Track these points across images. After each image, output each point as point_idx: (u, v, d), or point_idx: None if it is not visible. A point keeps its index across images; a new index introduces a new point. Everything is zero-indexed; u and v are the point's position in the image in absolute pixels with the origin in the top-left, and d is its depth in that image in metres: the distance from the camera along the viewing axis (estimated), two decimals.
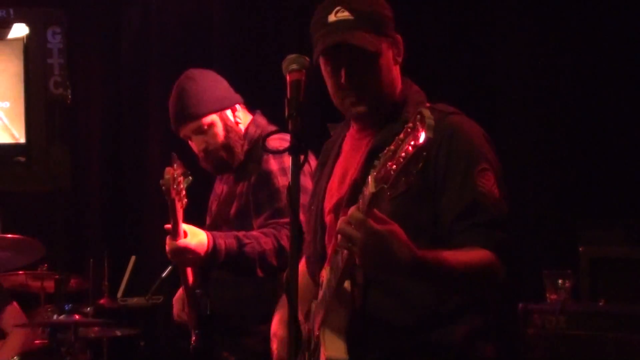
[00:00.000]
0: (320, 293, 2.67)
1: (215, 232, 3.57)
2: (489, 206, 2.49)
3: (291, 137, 2.36)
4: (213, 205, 3.94)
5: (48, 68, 6.76)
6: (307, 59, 2.51)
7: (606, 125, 4.87)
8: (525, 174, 4.83)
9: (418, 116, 2.06)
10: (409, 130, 2.08)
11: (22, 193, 6.77)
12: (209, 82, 3.83)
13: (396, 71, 2.70)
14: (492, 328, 2.64)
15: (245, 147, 3.80)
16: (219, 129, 3.75)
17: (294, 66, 2.47)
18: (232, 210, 3.76)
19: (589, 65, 4.91)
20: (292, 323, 2.29)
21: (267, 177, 3.66)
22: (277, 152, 2.74)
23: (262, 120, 3.90)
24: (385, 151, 2.15)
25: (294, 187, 2.35)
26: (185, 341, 3.95)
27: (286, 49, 2.61)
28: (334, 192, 2.75)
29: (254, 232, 3.60)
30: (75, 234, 6.68)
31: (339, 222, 2.31)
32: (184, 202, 3.39)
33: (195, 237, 3.47)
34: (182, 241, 3.43)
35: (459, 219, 2.48)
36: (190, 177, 3.43)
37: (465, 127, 2.59)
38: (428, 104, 2.65)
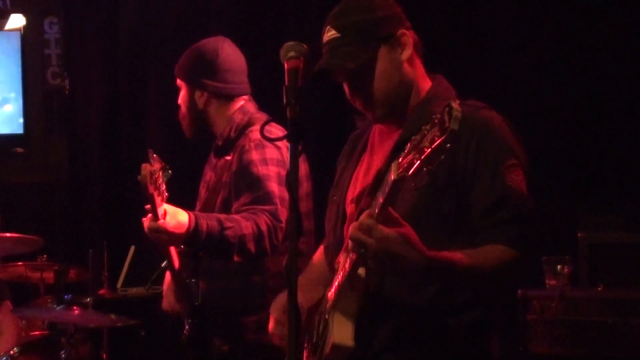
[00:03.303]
0: (334, 278, 2.69)
1: (198, 213, 3.58)
2: (516, 201, 2.51)
3: (289, 125, 2.36)
4: (202, 191, 3.96)
5: (45, 59, 6.75)
6: (305, 46, 2.51)
7: (605, 111, 4.88)
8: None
9: (446, 108, 2.09)
10: (436, 121, 2.11)
11: (21, 184, 6.76)
12: (206, 53, 3.90)
13: (408, 67, 2.72)
14: (499, 318, 2.67)
15: (232, 134, 3.81)
16: (185, 97, 3.90)
17: (292, 53, 2.48)
18: (219, 200, 3.78)
19: (588, 52, 4.91)
20: (292, 312, 2.29)
21: (247, 166, 3.67)
22: (277, 140, 2.74)
23: (250, 106, 3.92)
24: (410, 140, 2.19)
25: (292, 175, 2.35)
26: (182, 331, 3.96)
27: (284, 36, 2.61)
28: (359, 182, 2.78)
29: (235, 216, 3.58)
30: (74, 225, 6.67)
31: (350, 228, 2.37)
32: (164, 196, 3.43)
33: (174, 218, 3.47)
34: (161, 222, 3.44)
35: (486, 214, 2.51)
36: (169, 172, 3.47)
37: (495, 122, 2.61)
38: (458, 100, 2.66)
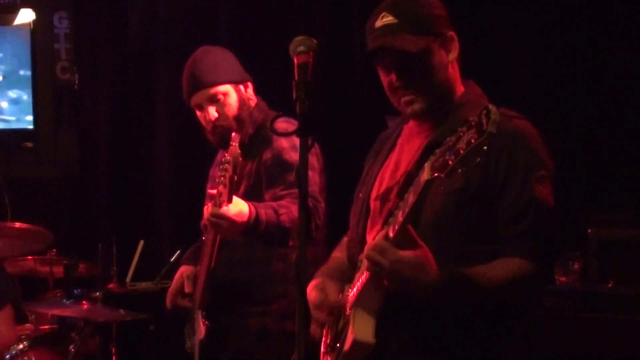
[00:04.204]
0: (356, 275, 2.70)
1: (256, 203, 3.60)
2: (541, 214, 2.53)
3: (299, 119, 2.37)
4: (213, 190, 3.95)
5: (55, 53, 6.74)
6: (315, 41, 2.52)
7: (615, 107, 4.87)
8: None
9: (484, 111, 2.11)
10: (473, 123, 2.13)
11: (30, 178, 6.76)
12: (226, 55, 3.93)
13: (452, 70, 2.73)
14: (519, 319, 2.67)
15: (250, 130, 3.83)
16: (233, 101, 3.83)
17: (301, 48, 2.48)
18: (241, 191, 3.78)
19: (597, 48, 4.90)
20: (301, 304, 2.29)
21: (279, 153, 3.73)
22: (286, 135, 2.74)
23: (263, 104, 3.97)
24: (445, 141, 2.20)
25: (303, 170, 2.35)
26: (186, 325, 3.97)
27: (293, 31, 2.61)
28: (385, 180, 2.79)
29: (284, 202, 3.64)
30: (83, 219, 6.68)
31: (366, 247, 2.44)
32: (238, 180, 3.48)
33: (235, 206, 3.50)
34: (224, 208, 3.46)
35: (510, 225, 2.53)
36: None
37: (528, 132, 2.62)
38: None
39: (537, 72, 5.08)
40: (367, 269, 2.48)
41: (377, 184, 2.83)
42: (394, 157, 2.83)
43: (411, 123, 2.83)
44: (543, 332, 4.21)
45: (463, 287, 2.44)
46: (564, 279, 4.32)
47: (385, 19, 2.66)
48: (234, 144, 3.45)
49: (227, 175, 3.41)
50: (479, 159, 2.13)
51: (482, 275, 2.46)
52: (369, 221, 2.80)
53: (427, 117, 2.72)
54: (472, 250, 2.53)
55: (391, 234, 2.41)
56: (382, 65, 2.72)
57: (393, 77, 2.68)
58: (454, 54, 2.72)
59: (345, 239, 3.06)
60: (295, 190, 3.59)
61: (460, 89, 2.76)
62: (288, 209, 3.59)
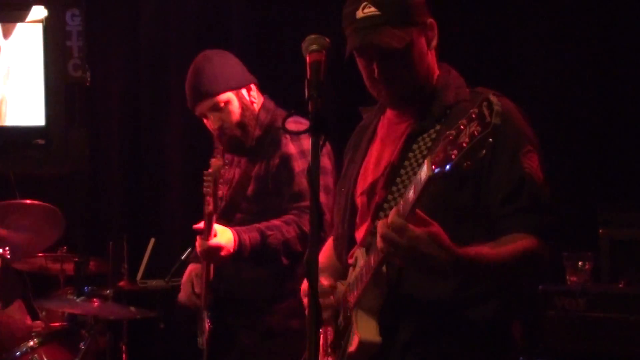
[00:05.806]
0: (352, 274, 2.68)
1: (239, 228, 3.64)
2: (535, 188, 2.53)
3: (311, 118, 2.36)
4: (224, 189, 3.95)
5: (67, 50, 6.74)
6: (327, 39, 2.50)
7: (627, 106, 4.85)
8: (545, 155, 4.81)
9: (485, 102, 2.08)
10: (474, 116, 2.09)
11: (41, 175, 6.77)
12: (226, 61, 3.90)
13: (431, 56, 2.71)
14: (520, 306, 2.69)
15: (258, 132, 3.83)
16: (235, 107, 3.82)
17: (314, 47, 2.47)
18: (249, 192, 3.79)
19: (609, 45, 4.88)
20: (313, 303, 2.28)
21: (286, 160, 3.72)
22: (298, 133, 2.73)
23: (270, 104, 3.96)
24: (445, 135, 2.17)
25: (314, 168, 2.34)
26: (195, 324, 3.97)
27: (306, 29, 2.60)
28: (368, 174, 2.78)
29: (276, 222, 3.65)
30: (94, 217, 6.69)
31: (379, 225, 2.37)
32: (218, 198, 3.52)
33: (224, 235, 3.56)
34: (214, 241, 3.52)
35: (505, 203, 2.52)
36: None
37: (509, 109, 2.61)
38: (467, 89, 2.66)
39: (549, 74, 5.07)
40: (381, 250, 2.40)
41: (360, 178, 2.80)
42: (374, 149, 2.81)
43: (389, 113, 2.81)
44: (554, 332, 4.20)
45: (477, 263, 2.43)
46: (575, 278, 4.31)
47: (368, 10, 2.60)
48: (217, 156, 3.45)
49: (210, 190, 3.45)
50: (484, 152, 2.10)
51: (495, 250, 2.46)
52: (357, 218, 2.77)
53: (407, 106, 2.70)
54: (467, 233, 2.51)
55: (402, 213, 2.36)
56: (363, 57, 2.67)
57: (374, 69, 2.64)
58: (434, 42, 2.69)
59: (331, 239, 3.03)
60: (300, 204, 3.64)
61: (436, 73, 2.73)
62: (278, 230, 3.62)
